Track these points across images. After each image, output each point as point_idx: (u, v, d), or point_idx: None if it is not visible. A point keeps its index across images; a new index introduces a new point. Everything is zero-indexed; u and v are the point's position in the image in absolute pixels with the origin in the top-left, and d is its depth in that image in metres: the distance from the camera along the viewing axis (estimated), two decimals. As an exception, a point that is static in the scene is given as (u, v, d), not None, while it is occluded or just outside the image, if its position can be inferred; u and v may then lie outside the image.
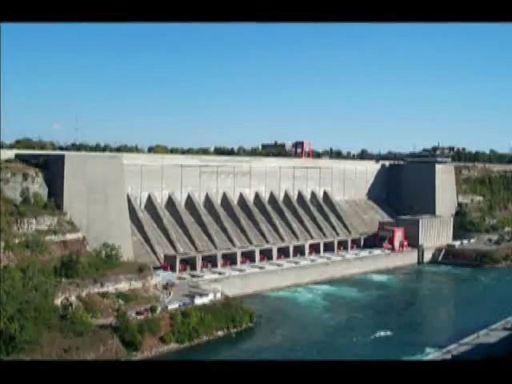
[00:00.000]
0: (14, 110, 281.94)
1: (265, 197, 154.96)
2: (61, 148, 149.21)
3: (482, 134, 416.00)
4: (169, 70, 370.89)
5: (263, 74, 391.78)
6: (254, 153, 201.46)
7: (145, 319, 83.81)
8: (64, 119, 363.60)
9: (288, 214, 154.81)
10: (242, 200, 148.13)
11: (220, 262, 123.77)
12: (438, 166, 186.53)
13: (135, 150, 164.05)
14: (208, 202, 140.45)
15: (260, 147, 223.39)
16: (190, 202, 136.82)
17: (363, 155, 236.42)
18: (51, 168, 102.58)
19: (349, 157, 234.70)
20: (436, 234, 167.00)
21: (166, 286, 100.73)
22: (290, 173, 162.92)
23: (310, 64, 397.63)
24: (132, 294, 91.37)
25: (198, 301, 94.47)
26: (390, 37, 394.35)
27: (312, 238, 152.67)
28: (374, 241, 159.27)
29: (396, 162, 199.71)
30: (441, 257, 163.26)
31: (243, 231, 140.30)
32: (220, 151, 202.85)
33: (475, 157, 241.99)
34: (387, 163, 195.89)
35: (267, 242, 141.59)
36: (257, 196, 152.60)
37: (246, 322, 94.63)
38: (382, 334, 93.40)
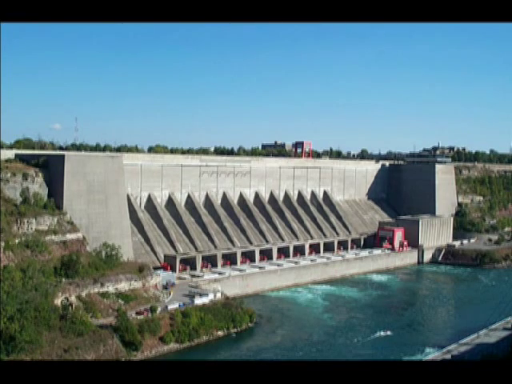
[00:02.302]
0: (13, 110, 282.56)
1: (265, 197, 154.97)
2: (61, 148, 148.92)
3: (482, 133, 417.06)
4: (169, 69, 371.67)
5: (263, 74, 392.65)
6: (254, 153, 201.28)
7: (145, 319, 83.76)
8: (64, 119, 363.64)
9: (288, 214, 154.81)
10: (242, 200, 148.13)
11: (220, 261, 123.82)
12: (437, 166, 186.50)
13: (135, 149, 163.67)
14: (208, 201, 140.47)
15: (260, 147, 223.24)
16: (190, 202, 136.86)
17: (363, 155, 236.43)
18: (51, 168, 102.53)
19: (349, 157, 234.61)
20: (436, 233, 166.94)
21: (166, 286, 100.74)
22: (290, 173, 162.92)
23: (310, 64, 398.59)
24: (132, 294, 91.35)
25: (198, 301, 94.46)
26: (390, 37, 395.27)
27: (312, 238, 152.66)
28: (373, 241, 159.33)
29: (396, 162, 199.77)
30: (441, 257, 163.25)
31: (243, 231, 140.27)
32: (220, 151, 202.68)
33: (475, 157, 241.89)
34: (387, 163, 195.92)
35: (267, 241, 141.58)
36: (257, 196, 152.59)
37: (246, 322, 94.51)
38: (382, 333, 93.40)
